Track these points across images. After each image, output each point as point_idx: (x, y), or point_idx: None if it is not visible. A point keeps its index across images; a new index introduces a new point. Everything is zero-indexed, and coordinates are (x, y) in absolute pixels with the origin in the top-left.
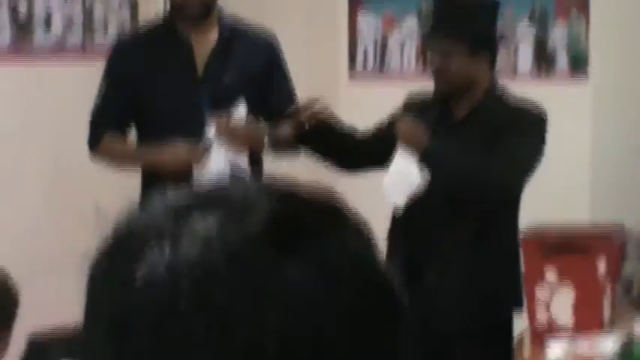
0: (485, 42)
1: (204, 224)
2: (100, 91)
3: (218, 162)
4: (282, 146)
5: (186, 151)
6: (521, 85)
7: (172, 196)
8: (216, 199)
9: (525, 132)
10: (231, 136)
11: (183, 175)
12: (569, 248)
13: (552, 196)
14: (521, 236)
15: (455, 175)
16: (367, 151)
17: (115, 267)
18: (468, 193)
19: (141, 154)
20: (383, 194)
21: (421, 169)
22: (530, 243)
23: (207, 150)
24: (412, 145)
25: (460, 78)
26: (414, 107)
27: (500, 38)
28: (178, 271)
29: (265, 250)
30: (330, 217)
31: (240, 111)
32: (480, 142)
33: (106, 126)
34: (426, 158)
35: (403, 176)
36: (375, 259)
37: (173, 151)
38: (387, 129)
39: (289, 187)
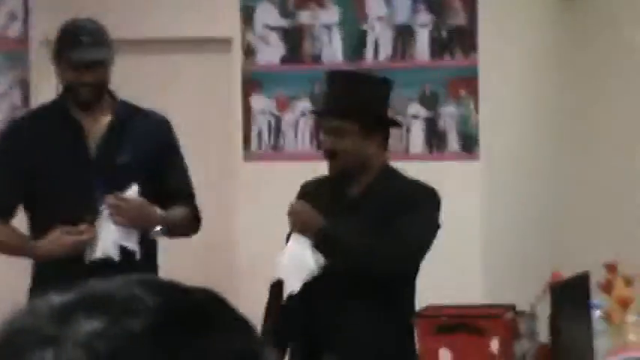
0: (377, 122)
1: (88, 327)
2: None
3: (107, 241)
4: (173, 230)
5: (73, 237)
6: (414, 163)
7: (56, 297)
8: (99, 299)
9: (417, 212)
10: (121, 213)
11: (73, 257)
12: (462, 328)
13: (445, 275)
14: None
15: (348, 259)
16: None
17: None
18: (361, 274)
19: (29, 247)
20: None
21: (315, 253)
22: (424, 322)
23: (95, 232)
24: (305, 229)
25: (352, 158)
26: (309, 191)
27: (393, 119)
28: None
29: (149, 350)
30: (213, 313)
31: (133, 192)
32: (372, 221)
33: None
34: (320, 242)
35: (297, 262)
36: (259, 352)
37: (60, 240)
38: None
39: (172, 283)
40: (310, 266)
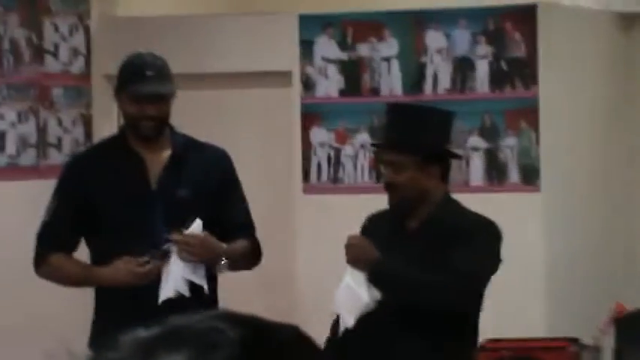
0: (436, 155)
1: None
2: (49, 207)
3: (177, 278)
4: (236, 264)
5: (136, 268)
6: (474, 196)
7: (141, 332)
8: (182, 333)
9: (476, 245)
10: (189, 250)
11: (137, 287)
12: None
13: (507, 308)
14: (478, 349)
15: (403, 293)
16: None
17: None
18: (419, 309)
19: (91, 276)
20: (334, 313)
21: (370, 287)
22: (484, 356)
23: (159, 265)
24: (360, 263)
25: (411, 191)
26: (370, 225)
27: (452, 152)
28: None
29: None
30: (293, 346)
31: (197, 227)
32: (431, 256)
33: (53, 244)
34: (374, 276)
35: (352, 296)
36: None
37: (125, 268)
38: None
39: (254, 317)
40: (364, 300)
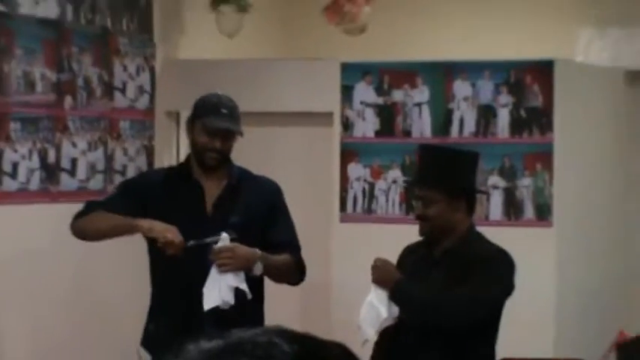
0: (462, 191)
1: None
2: (108, 195)
3: (223, 288)
4: (274, 272)
5: (175, 237)
6: (493, 229)
7: (205, 343)
8: (242, 345)
9: (489, 272)
10: (224, 261)
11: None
12: None
13: (521, 332)
14: None
15: (417, 310)
16: None
17: None
18: (429, 325)
19: (130, 221)
20: (357, 326)
21: (391, 305)
22: None
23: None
24: (382, 282)
25: (439, 222)
26: (404, 254)
27: (478, 188)
28: None
29: None
30: (344, 357)
31: (224, 239)
32: (450, 281)
33: (101, 207)
34: (394, 294)
35: (373, 311)
36: None
37: (163, 229)
38: None
39: (307, 334)
40: (384, 316)
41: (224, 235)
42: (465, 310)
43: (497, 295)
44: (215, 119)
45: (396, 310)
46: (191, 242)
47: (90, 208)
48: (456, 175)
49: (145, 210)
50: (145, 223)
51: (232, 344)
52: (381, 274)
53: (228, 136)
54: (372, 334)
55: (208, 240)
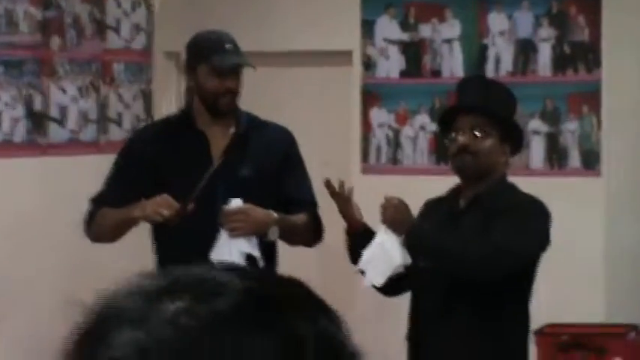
0: (514, 133)
1: (175, 306)
2: (107, 176)
3: (234, 254)
4: (291, 235)
5: (163, 208)
6: (534, 179)
7: (146, 281)
8: (187, 282)
9: (518, 220)
10: (235, 224)
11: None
12: (583, 347)
13: (567, 293)
14: (534, 333)
15: (433, 258)
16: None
17: (86, 351)
18: (448, 275)
19: (126, 211)
20: (358, 270)
21: (403, 250)
22: (543, 340)
23: (186, 208)
24: (395, 225)
25: (485, 162)
26: (426, 209)
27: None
28: (148, 351)
29: (234, 327)
30: (299, 298)
31: (236, 203)
32: (473, 229)
33: (104, 203)
34: (409, 239)
35: (384, 255)
36: (344, 338)
37: (152, 205)
38: None
39: (260, 270)
40: (396, 262)
41: (235, 200)
42: (492, 260)
43: (530, 247)
44: (224, 57)
45: (407, 256)
46: (191, 205)
47: (95, 206)
48: (512, 112)
49: (152, 177)
50: (137, 211)
51: (175, 281)
52: (394, 215)
53: (238, 74)
54: (380, 281)
55: (200, 186)
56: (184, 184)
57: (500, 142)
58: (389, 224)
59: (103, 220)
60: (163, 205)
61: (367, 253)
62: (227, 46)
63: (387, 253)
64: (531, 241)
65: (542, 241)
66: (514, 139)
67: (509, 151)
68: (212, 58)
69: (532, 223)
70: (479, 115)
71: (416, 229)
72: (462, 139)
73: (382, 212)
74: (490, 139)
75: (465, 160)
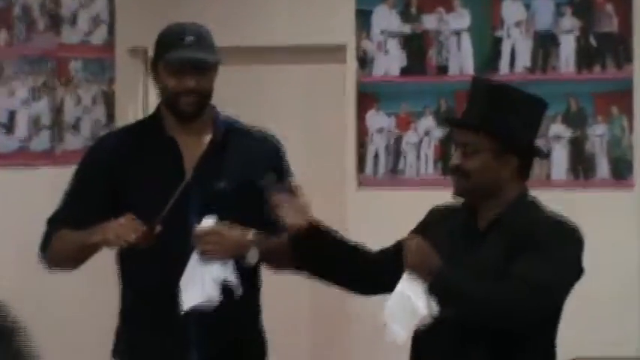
0: (517, 145)
1: None
2: (65, 192)
3: (207, 283)
4: (275, 257)
5: (127, 232)
6: (556, 192)
7: None
8: None
9: (549, 250)
10: (208, 246)
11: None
12: None
13: (596, 323)
14: None
15: (462, 308)
16: (380, 272)
17: None
18: (478, 325)
19: (86, 236)
20: (382, 323)
21: (429, 299)
22: None
23: (156, 228)
24: (419, 270)
25: (481, 180)
26: (433, 219)
27: (538, 148)
28: None
29: None
30: None
31: (209, 222)
32: (497, 259)
33: (62, 224)
34: (436, 287)
35: (407, 306)
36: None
37: (115, 228)
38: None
39: None
40: (422, 313)
41: (210, 219)
42: (529, 303)
43: (567, 280)
44: (179, 51)
45: (434, 305)
46: (158, 227)
47: (51, 229)
48: (515, 122)
49: (116, 192)
50: (97, 235)
51: None
52: (419, 260)
53: (201, 71)
54: (404, 336)
55: (171, 202)
56: (153, 200)
57: (496, 156)
58: (411, 269)
59: (61, 245)
60: (127, 227)
61: (390, 304)
62: (187, 39)
63: (410, 303)
64: (568, 273)
65: (578, 272)
66: (522, 153)
67: (519, 162)
68: (167, 55)
69: (566, 253)
70: (469, 130)
71: (442, 276)
72: (453, 157)
73: (405, 256)
74: (480, 155)
75: (459, 182)
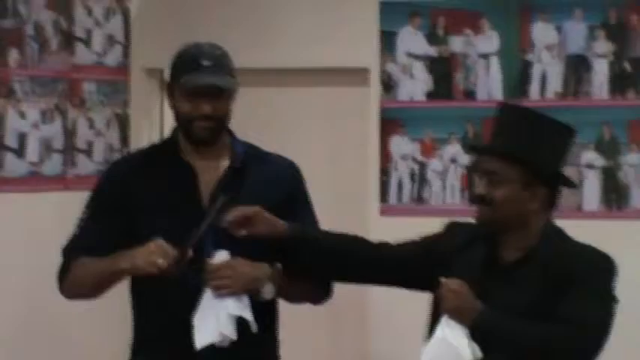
0: (547, 175)
1: None
2: (79, 220)
3: (222, 319)
4: (292, 291)
5: (158, 258)
6: (588, 223)
7: None
8: None
9: (590, 287)
10: (221, 282)
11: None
12: None
13: (633, 354)
14: None
15: (513, 353)
16: (390, 265)
17: None
18: None
19: (112, 262)
20: None
21: (471, 344)
22: None
23: (186, 253)
24: (459, 314)
25: (507, 212)
26: (451, 235)
27: (567, 177)
28: None
29: None
30: None
31: (222, 255)
32: (532, 296)
33: (80, 252)
34: (477, 331)
35: (449, 352)
36: None
37: (145, 254)
38: (423, 246)
39: None
40: (466, 358)
41: (222, 252)
42: (588, 346)
43: (609, 317)
44: (195, 76)
45: (477, 350)
46: (190, 252)
47: (69, 258)
48: (545, 151)
49: (132, 220)
50: (124, 262)
51: None
52: (458, 303)
53: (218, 96)
54: None
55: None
56: (169, 226)
57: (525, 187)
58: (451, 314)
59: (82, 273)
60: (157, 253)
61: (429, 350)
62: (204, 62)
63: (453, 350)
64: (610, 307)
65: (615, 303)
66: (550, 183)
67: (547, 192)
68: (183, 77)
69: (607, 286)
70: (495, 158)
71: (484, 319)
72: (478, 186)
73: (443, 300)
74: (508, 185)
75: (483, 211)
